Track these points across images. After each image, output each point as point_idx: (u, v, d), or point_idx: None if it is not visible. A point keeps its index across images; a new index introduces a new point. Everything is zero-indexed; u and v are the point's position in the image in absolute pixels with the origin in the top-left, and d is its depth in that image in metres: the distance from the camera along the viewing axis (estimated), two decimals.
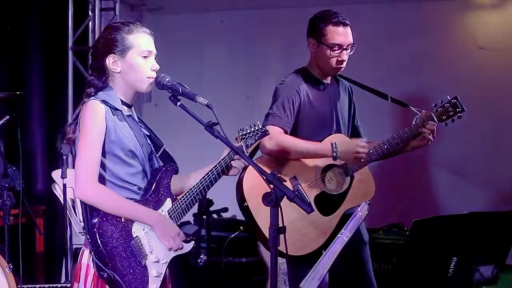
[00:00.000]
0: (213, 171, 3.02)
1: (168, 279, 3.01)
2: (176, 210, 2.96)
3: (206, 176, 3.01)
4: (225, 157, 3.05)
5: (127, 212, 2.83)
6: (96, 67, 2.94)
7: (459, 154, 6.01)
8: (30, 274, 5.30)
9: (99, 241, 2.75)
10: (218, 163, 3.04)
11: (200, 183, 3.00)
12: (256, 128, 3.17)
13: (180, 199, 2.98)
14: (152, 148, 3.03)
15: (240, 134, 3.12)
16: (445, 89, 5.87)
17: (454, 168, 6.08)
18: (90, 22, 6.21)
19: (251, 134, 3.14)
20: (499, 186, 5.89)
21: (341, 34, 3.71)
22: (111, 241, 2.77)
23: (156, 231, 2.87)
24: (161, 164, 3.03)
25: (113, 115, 2.86)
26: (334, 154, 3.65)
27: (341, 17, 3.73)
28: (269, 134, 3.25)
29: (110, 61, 2.89)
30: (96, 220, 2.78)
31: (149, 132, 3.05)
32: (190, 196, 2.99)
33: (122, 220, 2.82)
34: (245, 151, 3.11)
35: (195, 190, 2.99)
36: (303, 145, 3.67)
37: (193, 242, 2.98)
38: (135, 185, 2.92)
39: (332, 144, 3.66)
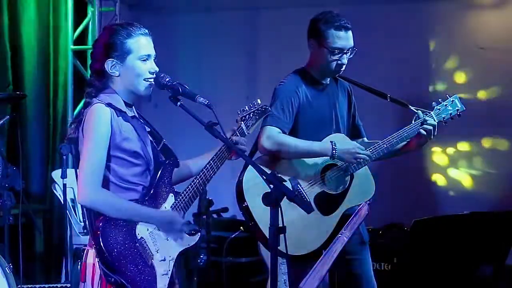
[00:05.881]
0: (211, 162, 3.01)
1: (175, 275, 3.01)
2: (180, 205, 2.97)
3: (205, 168, 3.00)
4: (222, 146, 3.04)
5: (130, 215, 2.84)
6: (96, 69, 2.95)
7: (459, 154, 6.01)
8: (30, 274, 5.31)
9: (103, 247, 2.74)
10: (218, 152, 3.03)
11: (203, 174, 2.99)
12: (256, 107, 3.17)
13: (182, 193, 2.98)
14: (154, 143, 3.04)
15: (240, 115, 3.11)
16: (445, 88, 5.90)
17: (454, 168, 6.09)
18: (90, 22, 6.21)
19: (251, 115, 3.14)
20: (499, 186, 5.89)
21: (343, 39, 3.69)
22: (115, 246, 2.77)
23: (161, 230, 2.89)
24: (163, 158, 3.03)
25: (118, 117, 2.87)
26: (334, 151, 3.64)
27: (343, 20, 3.70)
28: (270, 111, 3.25)
29: (109, 65, 2.90)
30: (99, 225, 2.77)
31: (149, 128, 3.06)
32: (192, 189, 2.99)
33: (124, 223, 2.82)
34: (245, 132, 3.10)
35: (197, 182, 2.99)
36: (302, 144, 3.66)
37: (199, 234, 2.98)
38: (140, 184, 2.93)
39: (332, 142, 3.66)
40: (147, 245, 2.85)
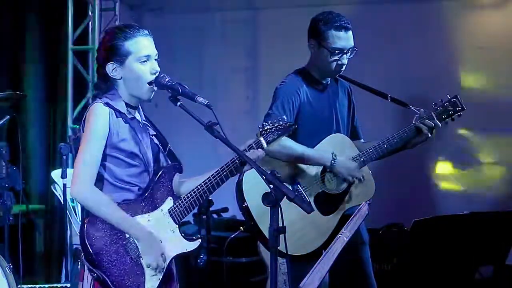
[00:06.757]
0: (220, 172, 2.97)
1: (175, 277, 3.00)
2: (177, 209, 2.95)
3: (211, 177, 2.97)
4: (233, 159, 2.99)
5: (115, 220, 2.82)
6: (100, 73, 2.98)
7: (459, 153, 6.02)
8: (30, 274, 5.31)
9: (87, 242, 2.76)
10: (225, 165, 2.99)
11: (205, 184, 2.96)
12: (280, 123, 3.09)
13: (183, 198, 2.96)
14: (160, 147, 3.04)
15: (260, 130, 3.06)
16: (445, 88, 5.89)
17: (454, 168, 6.09)
18: (90, 22, 6.21)
19: (272, 130, 3.08)
20: (499, 186, 5.89)
21: (343, 39, 3.68)
22: (99, 242, 2.77)
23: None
24: (169, 162, 3.03)
25: (117, 117, 2.89)
26: (333, 161, 3.64)
27: (344, 21, 3.69)
28: (293, 130, 3.15)
29: (110, 69, 2.91)
30: (86, 219, 2.80)
31: (155, 131, 3.06)
32: (194, 196, 2.96)
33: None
34: (264, 146, 3.05)
35: (200, 190, 2.96)
36: (302, 150, 3.64)
37: (199, 241, 2.97)
38: (137, 185, 2.93)
39: (333, 153, 3.65)
40: (136, 243, 2.85)
